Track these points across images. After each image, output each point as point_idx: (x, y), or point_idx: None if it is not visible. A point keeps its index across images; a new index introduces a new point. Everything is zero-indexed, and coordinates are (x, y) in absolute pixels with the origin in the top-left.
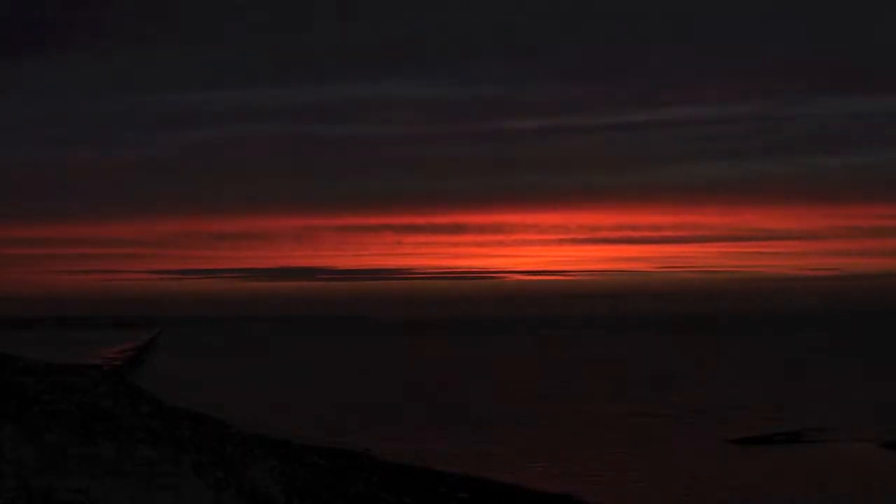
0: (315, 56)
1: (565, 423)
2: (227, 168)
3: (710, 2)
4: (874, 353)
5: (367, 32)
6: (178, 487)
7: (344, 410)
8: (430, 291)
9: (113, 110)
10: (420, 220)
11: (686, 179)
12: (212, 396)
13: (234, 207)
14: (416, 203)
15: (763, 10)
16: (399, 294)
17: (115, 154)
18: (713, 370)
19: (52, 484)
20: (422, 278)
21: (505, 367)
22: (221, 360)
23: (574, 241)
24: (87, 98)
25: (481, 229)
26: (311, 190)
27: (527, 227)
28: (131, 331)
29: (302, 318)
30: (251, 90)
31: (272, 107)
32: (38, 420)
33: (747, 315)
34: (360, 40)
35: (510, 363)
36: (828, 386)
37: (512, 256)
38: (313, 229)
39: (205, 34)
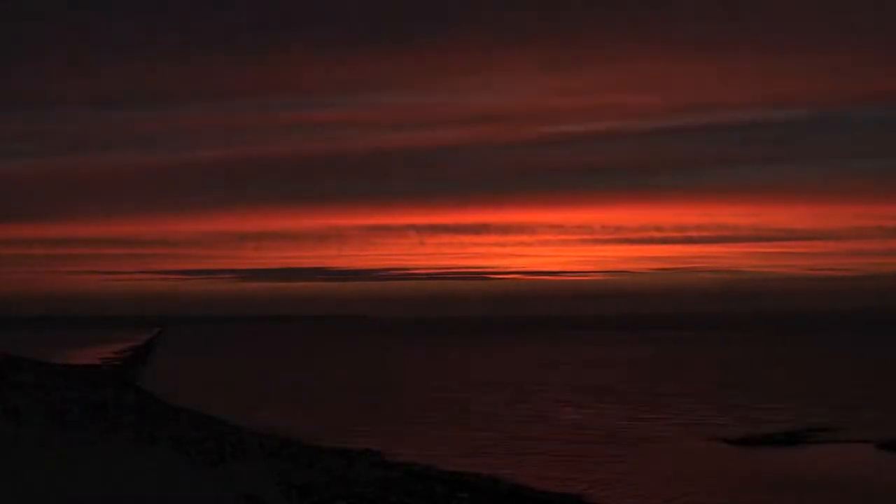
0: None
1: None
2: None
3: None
4: None
5: None
6: (178, 487)
7: (344, 410)
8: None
9: None
10: (444, 219)
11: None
12: (212, 396)
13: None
14: (441, 203)
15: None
16: (425, 293)
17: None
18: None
19: (53, 484)
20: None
21: (524, 366)
22: (223, 360)
23: (597, 242)
24: None
25: (505, 229)
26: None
27: (551, 227)
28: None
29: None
30: None
31: None
32: (38, 421)
33: (805, 314)
34: None
35: (528, 362)
36: None
37: (535, 256)
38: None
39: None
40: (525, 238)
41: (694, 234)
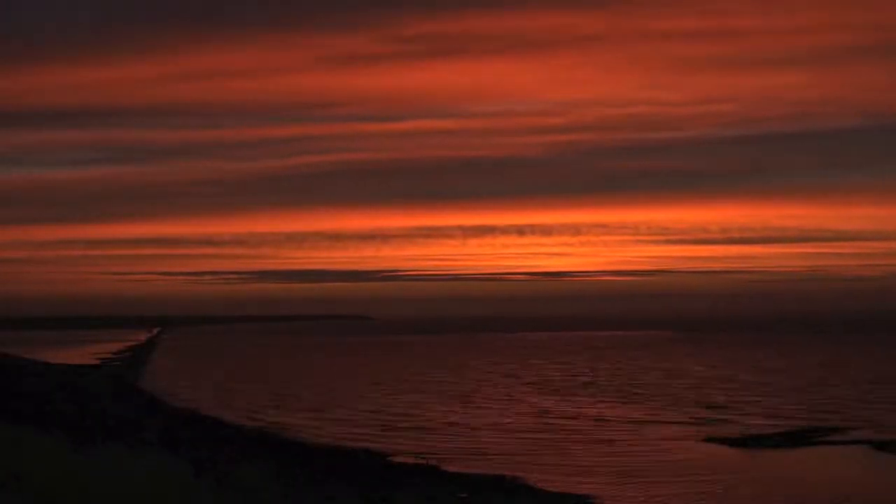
0: None
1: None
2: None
3: None
4: None
5: None
6: (177, 487)
7: (345, 409)
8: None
9: None
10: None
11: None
12: (212, 396)
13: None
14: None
15: None
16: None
17: None
18: None
19: (53, 484)
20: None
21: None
22: (224, 360)
23: (642, 242)
24: None
25: (547, 230)
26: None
27: (596, 226)
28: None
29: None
30: None
31: None
32: (38, 421)
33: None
34: None
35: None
36: None
37: (581, 256)
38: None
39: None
40: (567, 238)
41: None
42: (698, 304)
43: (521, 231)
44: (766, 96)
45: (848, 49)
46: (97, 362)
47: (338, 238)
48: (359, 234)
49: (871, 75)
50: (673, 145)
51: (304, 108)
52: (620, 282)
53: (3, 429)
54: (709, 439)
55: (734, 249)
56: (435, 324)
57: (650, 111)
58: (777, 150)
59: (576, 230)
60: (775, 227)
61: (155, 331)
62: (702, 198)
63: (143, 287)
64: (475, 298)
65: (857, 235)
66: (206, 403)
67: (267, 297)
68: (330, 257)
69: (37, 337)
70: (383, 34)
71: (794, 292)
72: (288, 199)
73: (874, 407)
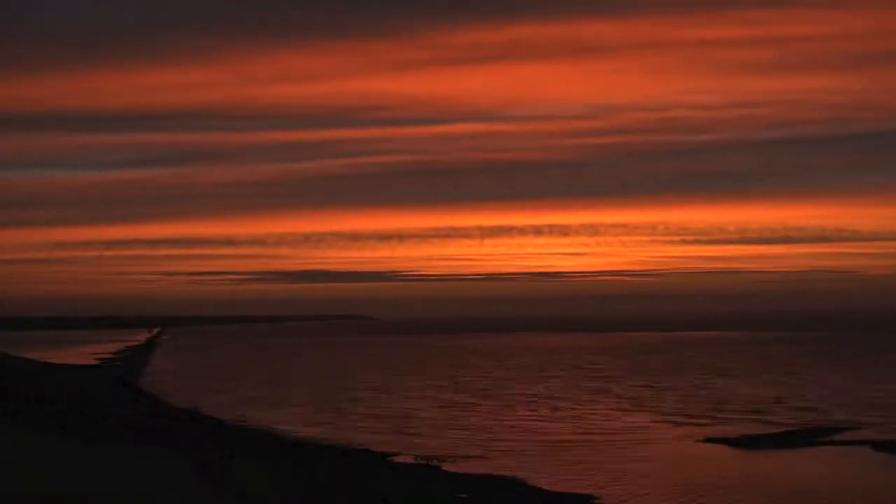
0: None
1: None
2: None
3: None
4: None
5: None
6: (177, 487)
7: (347, 409)
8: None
9: None
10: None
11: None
12: (212, 395)
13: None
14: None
15: None
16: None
17: None
18: None
19: (53, 486)
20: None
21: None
22: (227, 360)
23: (663, 242)
24: None
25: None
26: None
27: (616, 227)
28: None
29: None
30: None
31: None
32: (38, 422)
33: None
34: None
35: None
36: None
37: (602, 255)
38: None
39: None
40: (585, 238)
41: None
42: (724, 305)
43: (538, 231)
44: (800, 100)
45: (880, 54)
46: (96, 362)
47: (355, 238)
48: (377, 234)
49: None
50: (704, 148)
51: (345, 111)
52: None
53: (4, 429)
54: (708, 440)
55: (773, 249)
56: (434, 324)
57: (683, 115)
58: (811, 152)
59: (594, 230)
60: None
61: (155, 331)
62: (728, 198)
63: (155, 287)
64: (491, 299)
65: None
66: (206, 403)
67: (279, 297)
68: (346, 257)
69: (53, 336)
70: (428, 42)
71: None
72: (311, 200)
73: None
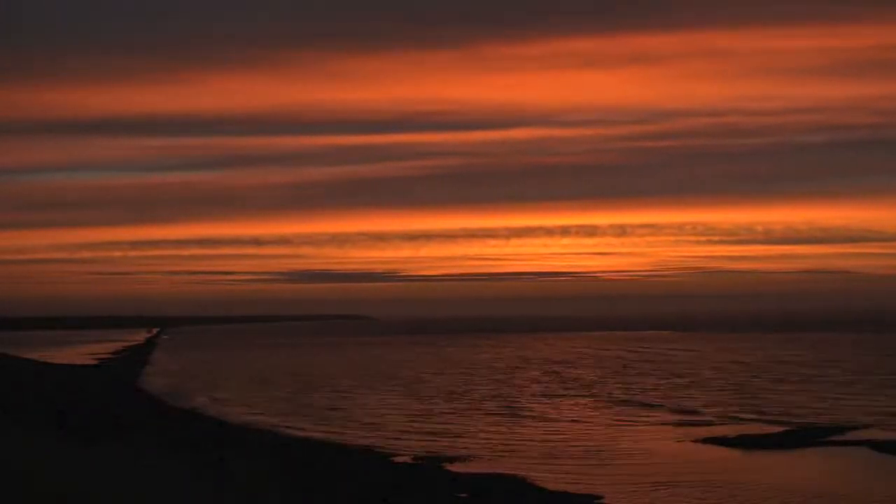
0: None
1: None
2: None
3: None
4: None
5: None
6: (177, 487)
7: (347, 409)
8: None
9: None
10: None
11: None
12: (212, 395)
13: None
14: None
15: None
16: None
17: None
18: None
19: (54, 486)
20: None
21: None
22: (228, 359)
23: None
24: None
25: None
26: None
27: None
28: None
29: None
30: None
31: None
32: (39, 422)
33: None
34: None
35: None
36: None
37: (627, 256)
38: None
39: None
40: (611, 239)
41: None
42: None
43: (565, 231)
44: (848, 106)
45: None
46: (95, 362)
47: (381, 238)
48: (403, 234)
49: None
50: (750, 151)
51: (404, 116)
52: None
53: (4, 429)
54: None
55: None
56: (435, 324)
57: (735, 120)
58: (857, 154)
59: (622, 230)
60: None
61: (155, 331)
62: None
63: (160, 287)
64: (514, 298)
65: None
66: (206, 403)
67: (298, 297)
68: (367, 257)
69: (69, 336)
70: (492, 51)
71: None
72: (345, 201)
73: None
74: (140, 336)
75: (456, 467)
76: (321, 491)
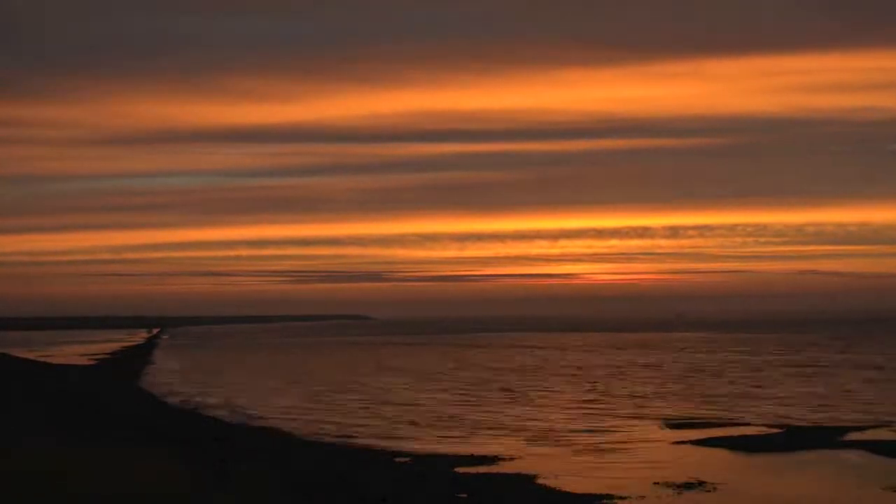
0: None
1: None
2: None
3: None
4: None
5: None
6: (177, 487)
7: (349, 408)
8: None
9: None
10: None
11: None
12: (212, 395)
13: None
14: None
15: None
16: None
17: None
18: None
19: (54, 487)
20: None
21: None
22: (231, 358)
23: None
24: None
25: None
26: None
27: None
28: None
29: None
30: None
31: None
32: (38, 421)
33: None
34: None
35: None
36: None
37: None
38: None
39: None
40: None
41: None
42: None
43: (614, 233)
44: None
45: None
46: (95, 362)
47: (432, 238)
48: (452, 236)
49: None
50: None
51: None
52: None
53: (4, 429)
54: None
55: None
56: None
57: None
58: None
59: (673, 232)
60: None
61: (155, 330)
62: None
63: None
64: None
65: None
66: (206, 403)
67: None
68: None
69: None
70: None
71: None
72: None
73: None
74: (137, 337)
75: (456, 467)
76: (321, 491)
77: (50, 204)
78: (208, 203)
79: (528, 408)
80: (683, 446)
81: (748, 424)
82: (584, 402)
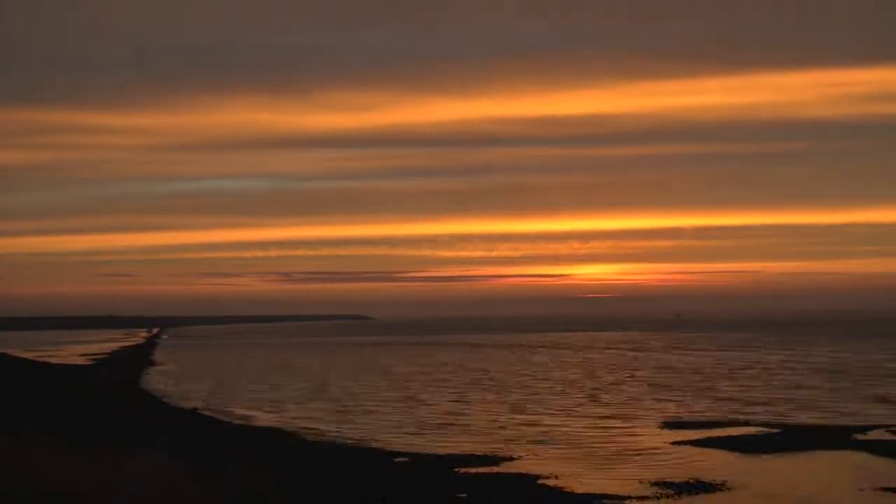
0: None
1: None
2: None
3: None
4: None
5: None
6: (177, 487)
7: (350, 409)
8: None
9: None
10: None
11: None
12: (212, 395)
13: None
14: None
15: None
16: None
17: None
18: None
19: (54, 487)
20: None
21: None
22: (229, 358)
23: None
24: None
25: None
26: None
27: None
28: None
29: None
30: None
31: None
32: (38, 421)
33: None
34: None
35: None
36: None
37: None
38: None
39: None
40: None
41: None
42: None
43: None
44: None
45: None
46: (94, 362)
47: (464, 239)
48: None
49: None
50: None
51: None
52: None
53: (4, 429)
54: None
55: None
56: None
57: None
58: None
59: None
60: None
61: (155, 330)
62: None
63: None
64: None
65: None
66: (206, 402)
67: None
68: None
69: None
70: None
71: None
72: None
73: None
74: (137, 336)
75: (456, 467)
76: (322, 490)
77: (138, 205)
78: (277, 204)
79: (527, 408)
80: (683, 446)
81: (747, 424)
82: (584, 402)
